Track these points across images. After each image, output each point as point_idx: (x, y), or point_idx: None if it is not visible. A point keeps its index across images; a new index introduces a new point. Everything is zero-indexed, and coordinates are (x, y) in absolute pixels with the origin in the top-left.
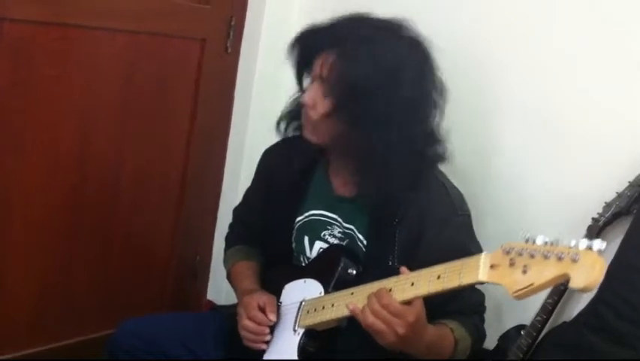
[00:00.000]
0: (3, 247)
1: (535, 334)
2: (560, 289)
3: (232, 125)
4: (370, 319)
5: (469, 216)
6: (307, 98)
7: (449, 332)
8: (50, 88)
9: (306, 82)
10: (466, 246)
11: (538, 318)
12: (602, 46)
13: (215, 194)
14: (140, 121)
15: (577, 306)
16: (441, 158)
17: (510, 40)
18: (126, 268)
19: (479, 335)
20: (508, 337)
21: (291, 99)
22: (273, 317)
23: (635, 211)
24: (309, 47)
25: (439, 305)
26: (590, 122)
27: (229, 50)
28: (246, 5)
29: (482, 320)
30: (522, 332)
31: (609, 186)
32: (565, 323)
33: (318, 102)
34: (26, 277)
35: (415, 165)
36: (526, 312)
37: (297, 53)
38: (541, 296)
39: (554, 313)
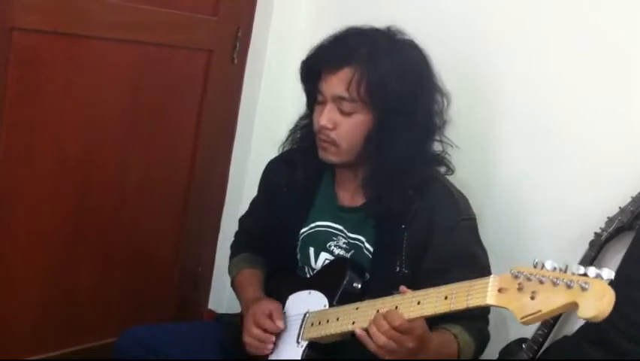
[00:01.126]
0: (8, 254)
1: (536, 348)
2: None
3: (237, 135)
4: (382, 339)
5: (474, 219)
6: (326, 120)
7: (452, 339)
8: (57, 97)
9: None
10: (472, 250)
11: (540, 332)
12: (606, 59)
13: (219, 204)
14: (145, 131)
15: (578, 320)
16: (445, 162)
17: (507, 54)
18: (130, 277)
19: (483, 339)
20: (510, 350)
21: (296, 126)
22: (280, 324)
23: (637, 227)
24: (318, 68)
25: None
26: (593, 136)
27: (235, 61)
28: (252, 16)
29: (486, 323)
30: (523, 346)
31: (612, 201)
32: (566, 337)
33: (339, 122)
34: (30, 285)
35: (427, 169)
36: (528, 326)
37: (306, 77)
38: None
39: (555, 327)
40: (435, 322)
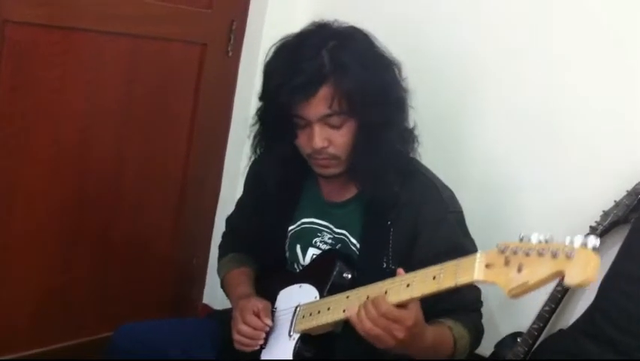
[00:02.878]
0: (4, 248)
1: (531, 341)
2: (557, 297)
3: (231, 128)
4: (368, 325)
5: (461, 212)
6: (320, 141)
7: (448, 331)
8: (52, 91)
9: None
10: (460, 243)
11: (535, 326)
12: (601, 51)
13: (214, 198)
14: (140, 125)
15: (573, 314)
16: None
17: (507, 47)
18: (125, 272)
19: (477, 332)
20: (505, 344)
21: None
22: (268, 322)
23: (632, 220)
24: (292, 102)
25: (436, 303)
26: (588, 130)
27: (230, 54)
28: (247, 9)
29: (480, 316)
30: (518, 340)
31: (607, 195)
32: (561, 330)
33: (332, 137)
34: (27, 279)
35: (407, 156)
36: (523, 319)
37: (277, 112)
38: (538, 303)
39: (551, 320)
40: (429, 316)
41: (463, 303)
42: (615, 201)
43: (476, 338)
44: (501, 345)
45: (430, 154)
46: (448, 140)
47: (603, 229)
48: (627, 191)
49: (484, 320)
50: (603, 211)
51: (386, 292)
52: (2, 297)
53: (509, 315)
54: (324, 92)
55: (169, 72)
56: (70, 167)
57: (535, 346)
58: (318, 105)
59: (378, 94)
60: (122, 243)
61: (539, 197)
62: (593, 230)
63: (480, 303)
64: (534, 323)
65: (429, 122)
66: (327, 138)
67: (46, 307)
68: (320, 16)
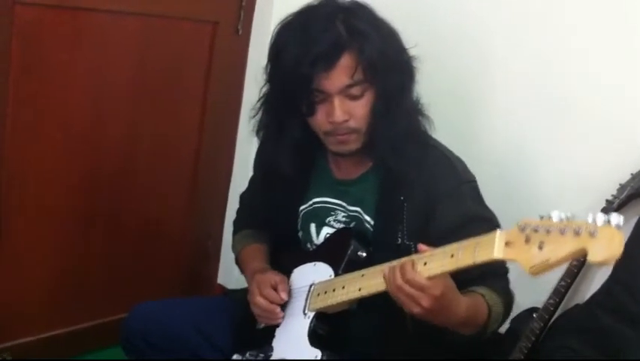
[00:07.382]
0: (18, 231)
1: (547, 317)
2: (574, 272)
3: (243, 107)
4: (392, 288)
5: (474, 181)
6: (341, 115)
7: (481, 299)
8: (62, 72)
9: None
10: (477, 212)
11: (551, 301)
12: (615, 25)
13: (226, 177)
14: (152, 105)
15: (589, 289)
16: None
17: (520, 20)
18: (139, 252)
19: (509, 298)
20: (521, 320)
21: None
22: (284, 296)
23: None
24: (313, 72)
25: (463, 271)
26: (603, 103)
27: (240, 32)
28: None
29: (508, 282)
30: (534, 315)
31: (624, 168)
32: (578, 305)
33: (352, 109)
34: (41, 261)
35: (420, 127)
36: (539, 295)
37: (299, 87)
38: (554, 279)
39: (567, 295)
40: (458, 284)
41: (491, 269)
42: (632, 174)
43: (508, 303)
44: (517, 321)
45: (443, 130)
46: (462, 115)
47: (620, 202)
48: None
49: None
50: (620, 184)
51: None
52: (16, 280)
53: (525, 291)
54: (346, 61)
55: (180, 51)
56: (82, 148)
57: (552, 321)
58: (339, 76)
59: (395, 60)
60: (136, 223)
61: (556, 171)
62: (609, 203)
63: (506, 268)
64: (550, 298)
65: (442, 97)
66: (347, 111)
67: (60, 289)
68: None
